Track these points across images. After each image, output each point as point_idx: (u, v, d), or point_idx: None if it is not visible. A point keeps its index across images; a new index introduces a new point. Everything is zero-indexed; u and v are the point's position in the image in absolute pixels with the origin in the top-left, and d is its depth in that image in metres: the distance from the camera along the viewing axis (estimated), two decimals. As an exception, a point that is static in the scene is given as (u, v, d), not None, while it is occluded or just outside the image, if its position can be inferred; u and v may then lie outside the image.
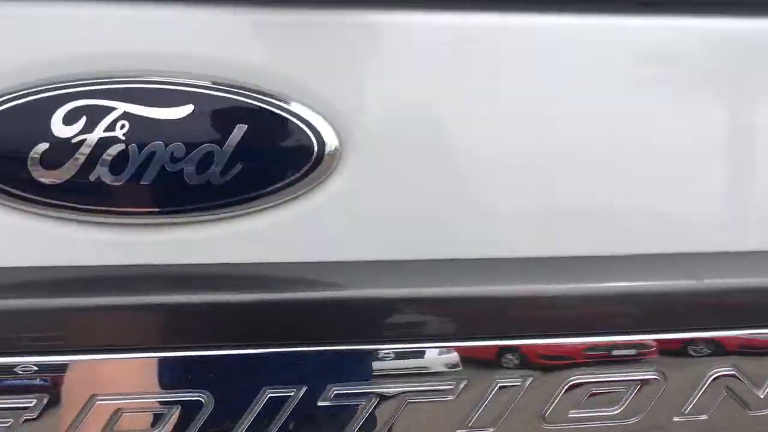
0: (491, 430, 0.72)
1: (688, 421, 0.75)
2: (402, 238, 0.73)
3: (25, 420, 0.66)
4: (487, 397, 0.71)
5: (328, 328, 0.70)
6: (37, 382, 0.66)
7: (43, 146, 0.67)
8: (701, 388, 0.75)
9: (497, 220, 0.74)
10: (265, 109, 0.70)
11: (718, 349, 0.75)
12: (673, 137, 0.75)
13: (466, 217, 0.73)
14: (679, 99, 0.75)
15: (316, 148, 0.71)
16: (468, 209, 0.74)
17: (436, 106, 0.73)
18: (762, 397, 0.76)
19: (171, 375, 0.67)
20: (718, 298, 0.75)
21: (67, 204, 0.68)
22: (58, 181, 0.67)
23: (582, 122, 0.74)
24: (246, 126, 0.69)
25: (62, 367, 0.66)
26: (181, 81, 0.69)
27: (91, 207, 0.68)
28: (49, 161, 0.67)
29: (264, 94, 0.70)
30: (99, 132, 0.67)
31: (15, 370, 0.66)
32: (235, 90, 0.70)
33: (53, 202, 0.68)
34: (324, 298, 0.70)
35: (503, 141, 0.73)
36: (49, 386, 0.66)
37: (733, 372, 0.75)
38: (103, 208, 0.69)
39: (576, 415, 0.73)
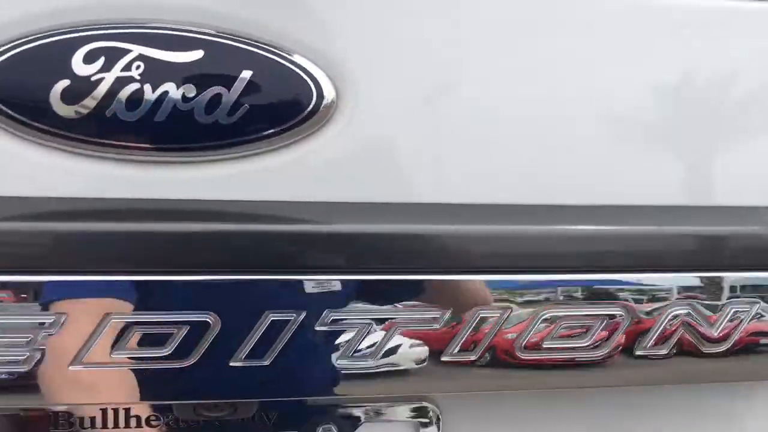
0: (473, 357, 0.78)
1: (650, 355, 0.82)
2: (384, 183, 0.79)
3: (44, 335, 0.70)
4: (470, 326, 0.78)
5: (324, 259, 0.76)
6: (57, 299, 0.71)
7: (65, 83, 0.72)
8: (661, 326, 0.82)
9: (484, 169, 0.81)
10: (269, 58, 0.76)
11: (677, 289, 0.82)
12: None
13: (447, 168, 0.80)
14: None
15: (314, 99, 0.77)
16: (450, 164, 0.80)
17: (430, 67, 0.79)
18: (716, 335, 0.84)
19: (181, 297, 0.72)
20: (678, 243, 0.83)
21: (83, 138, 0.73)
22: (76, 116, 0.72)
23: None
24: (250, 74, 0.75)
25: (81, 286, 0.71)
26: (191, 29, 0.75)
27: (105, 141, 0.73)
28: (69, 97, 0.72)
29: (270, 45, 0.76)
30: (116, 71, 0.73)
31: (36, 288, 0.70)
32: (242, 39, 0.76)
33: (70, 135, 0.73)
34: (322, 232, 0.76)
35: (496, 95, 0.80)
36: (69, 304, 0.71)
37: (689, 311, 0.83)
38: (117, 143, 0.74)
39: (550, 345, 0.80)
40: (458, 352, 0.78)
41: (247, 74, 0.75)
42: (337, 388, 0.77)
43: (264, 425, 0.83)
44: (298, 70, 0.77)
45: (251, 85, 0.75)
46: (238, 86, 0.75)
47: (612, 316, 0.80)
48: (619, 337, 0.81)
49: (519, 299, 0.78)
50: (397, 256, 0.77)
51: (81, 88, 0.72)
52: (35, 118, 0.72)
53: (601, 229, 0.81)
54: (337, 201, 0.78)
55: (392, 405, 0.86)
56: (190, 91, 0.74)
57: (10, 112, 0.72)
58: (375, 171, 0.80)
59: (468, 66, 0.81)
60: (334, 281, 0.75)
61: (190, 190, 0.75)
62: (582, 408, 0.89)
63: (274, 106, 0.77)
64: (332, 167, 0.78)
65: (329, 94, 0.78)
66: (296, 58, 0.77)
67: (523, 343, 0.79)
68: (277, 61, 0.76)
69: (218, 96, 0.75)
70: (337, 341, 0.76)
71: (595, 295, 0.80)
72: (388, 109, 0.80)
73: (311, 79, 0.77)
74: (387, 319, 0.76)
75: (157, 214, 0.74)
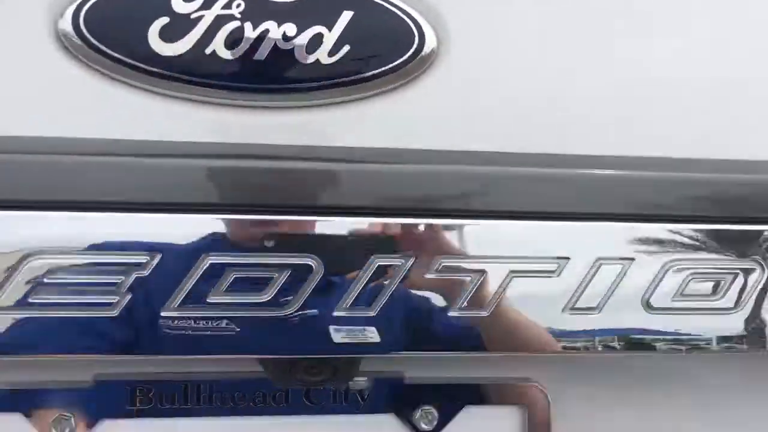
0: (595, 314, 0.71)
1: (788, 315, 0.74)
2: (483, 131, 0.75)
3: (136, 277, 0.65)
4: (590, 277, 0.71)
5: (434, 202, 0.71)
6: (150, 238, 0.66)
7: (164, 21, 0.70)
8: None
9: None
10: (373, 1, 0.74)
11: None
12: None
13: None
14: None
15: (415, 46, 0.74)
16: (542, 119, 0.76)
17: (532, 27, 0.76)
18: None
19: (283, 238, 0.67)
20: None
21: (181, 76, 0.70)
22: (174, 54, 0.70)
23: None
24: (351, 14, 0.72)
25: (176, 225, 0.66)
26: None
27: (203, 80, 0.70)
28: (167, 35, 0.70)
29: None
30: (216, 9, 0.71)
31: (129, 226, 0.66)
32: (344, -20, 0.74)
33: (168, 73, 0.70)
34: (432, 173, 0.71)
35: (603, 50, 0.76)
36: (162, 244, 0.66)
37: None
38: (215, 82, 0.71)
39: (678, 303, 0.73)
40: (577, 306, 0.71)
41: (348, 15, 0.73)
42: (448, 343, 0.70)
43: (357, 404, 0.76)
44: (402, 15, 0.74)
45: (352, 27, 0.72)
46: (339, 27, 0.72)
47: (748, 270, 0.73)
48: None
49: (644, 248, 0.72)
50: (510, 199, 0.71)
51: (180, 25, 0.70)
52: (133, 56, 0.70)
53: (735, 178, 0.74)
54: (436, 149, 0.74)
55: (497, 386, 0.79)
56: (291, 30, 0.71)
57: (108, 50, 0.70)
58: (471, 123, 0.75)
59: (573, 24, 0.77)
60: (446, 226, 0.70)
61: (288, 133, 0.72)
62: (701, 387, 0.81)
63: (375, 49, 0.73)
64: (427, 116, 0.74)
65: (431, 42, 0.75)
66: (400, 3, 0.74)
67: (649, 298, 0.72)
68: (380, 3, 0.74)
69: (319, 36, 0.72)
70: (449, 290, 0.69)
71: (726, 246, 0.73)
72: (487, 63, 0.76)
73: (415, 25, 0.74)
74: (502, 267, 0.70)
75: (253, 155, 0.70)
